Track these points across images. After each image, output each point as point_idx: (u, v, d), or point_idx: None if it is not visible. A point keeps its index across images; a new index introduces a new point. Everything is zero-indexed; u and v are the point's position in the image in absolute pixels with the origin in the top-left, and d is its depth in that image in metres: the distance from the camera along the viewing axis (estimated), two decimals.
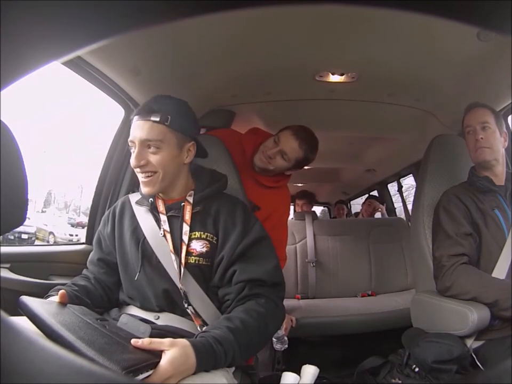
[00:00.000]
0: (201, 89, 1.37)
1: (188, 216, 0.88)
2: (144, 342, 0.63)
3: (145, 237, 0.89)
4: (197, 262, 0.86)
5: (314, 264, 2.14)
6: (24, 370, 0.21)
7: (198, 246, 0.86)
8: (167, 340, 0.64)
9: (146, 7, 0.19)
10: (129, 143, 0.87)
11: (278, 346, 1.50)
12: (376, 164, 2.68)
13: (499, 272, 1.03)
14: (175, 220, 0.89)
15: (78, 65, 1.05)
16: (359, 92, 1.45)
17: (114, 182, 1.39)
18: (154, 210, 0.91)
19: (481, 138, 1.10)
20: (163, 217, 0.89)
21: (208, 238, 0.87)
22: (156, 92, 0.91)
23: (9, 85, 0.23)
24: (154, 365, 0.60)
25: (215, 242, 0.87)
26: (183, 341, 0.65)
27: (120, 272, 0.92)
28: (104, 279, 0.93)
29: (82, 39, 0.21)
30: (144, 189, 0.88)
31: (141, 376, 0.57)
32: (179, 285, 0.84)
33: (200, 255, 0.86)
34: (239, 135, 1.42)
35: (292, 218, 2.39)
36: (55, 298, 0.79)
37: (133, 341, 0.63)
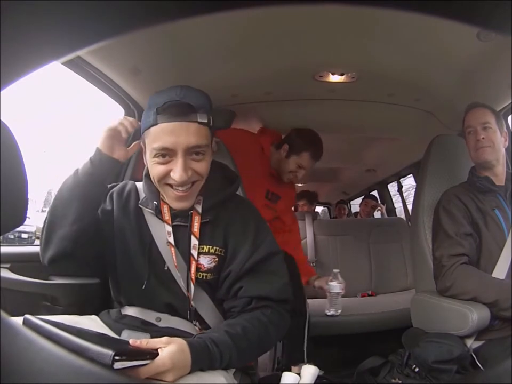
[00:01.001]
0: (201, 89, 1.37)
1: (196, 227, 0.79)
2: (142, 341, 0.63)
3: (153, 239, 0.81)
4: (204, 278, 0.80)
5: (314, 264, 2.14)
6: (24, 370, 0.21)
7: (206, 262, 0.80)
8: (164, 338, 0.65)
9: (146, 7, 0.19)
10: (159, 151, 0.72)
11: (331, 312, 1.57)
12: (376, 164, 2.68)
13: (499, 272, 1.03)
14: (181, 229, 0.81)
15: (78, 65, 1.05)
16: (359, 91, 1.45)
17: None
18: (159, 215, 0.82)
19: (483, 138, 1.09)
20: (168, 228, 0.80)
21: (216, 252, 0.80)
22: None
23: (9, 85, 0.23)
24: (153, 355, 0.60)
25: (223, 255, 0.81)
26: (180, 339, 0.66)
27: (118, 270, 0.83)
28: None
29: (82, 39, 0.21)
30: (179, 204, 0.78)
31: (140, 362, 0.57)
32: (190, 302, 0.79)
33: (208, 270, 0.80)
34: (254, 135, 1.58)
35: None
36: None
37: (131, 340, 0.63)
